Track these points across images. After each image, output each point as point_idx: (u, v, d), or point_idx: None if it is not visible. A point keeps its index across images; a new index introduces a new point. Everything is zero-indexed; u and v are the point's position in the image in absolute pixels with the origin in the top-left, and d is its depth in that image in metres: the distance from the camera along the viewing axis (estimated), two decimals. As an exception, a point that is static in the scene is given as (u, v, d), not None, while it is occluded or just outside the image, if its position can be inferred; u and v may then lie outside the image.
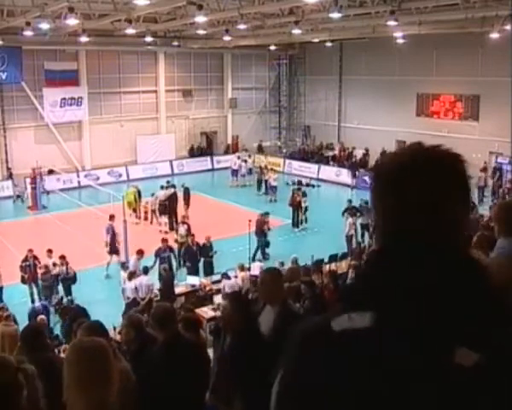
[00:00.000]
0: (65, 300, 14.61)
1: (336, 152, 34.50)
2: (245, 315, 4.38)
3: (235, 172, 30.80)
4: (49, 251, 16.21)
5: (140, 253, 15.88)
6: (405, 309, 1.01)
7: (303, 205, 22.51)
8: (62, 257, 15.56)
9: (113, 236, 18.51)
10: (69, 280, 15.40)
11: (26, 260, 15.83)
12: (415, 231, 1.08)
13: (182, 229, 18.74)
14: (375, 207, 1.17)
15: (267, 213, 19.87)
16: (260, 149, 35.71)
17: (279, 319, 4.42)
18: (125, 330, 5.56)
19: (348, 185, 29.80)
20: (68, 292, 15.28)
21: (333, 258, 16.58)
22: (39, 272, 15.58)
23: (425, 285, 1.02)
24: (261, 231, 19.05)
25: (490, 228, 5.96)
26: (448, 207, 1.09)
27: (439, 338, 0.98)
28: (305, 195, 23.12)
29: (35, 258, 15.92)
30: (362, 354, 0.99)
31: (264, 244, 19.28)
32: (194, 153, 35.80)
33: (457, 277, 1.04)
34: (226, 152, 36.03)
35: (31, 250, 16.03)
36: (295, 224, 22.58)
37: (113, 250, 18.36)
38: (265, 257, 18.95)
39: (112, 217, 19.16)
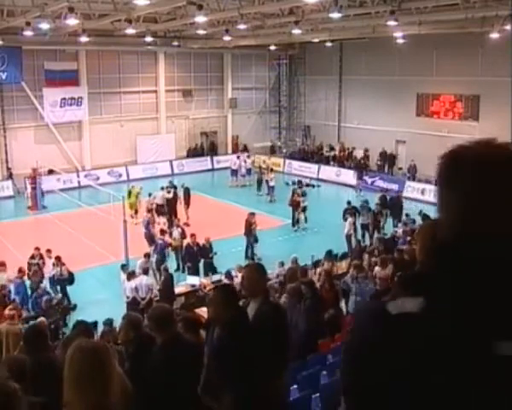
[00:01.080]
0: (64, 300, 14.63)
1: (336, 152, 34.52)
2: (234, 307, 4.39)
3: (234, 173, 30.81)
4: (49, 251, 16.24)
5: (147, 256, 15.94)
6: (452, 299, 1.08)
7: (301, 205, 22.51)
8: (57, 258, 15.57)
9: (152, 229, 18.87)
10: (65, 281, 15.39)
11: (33, 257, 16.03)
12: (481, 226, 1.09)
13: (176, 232, 18.70)
14: (445, 199, 1.16)
15: (253, 213, 19.86)
16: (273, 151, 35.65)
17: (260, 311, 4.47)
18: (123, 330, 5.55)
19: (348, 185, 29.73)
20: (64, 293, 15.27)
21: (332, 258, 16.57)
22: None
23: (477, 279, 1.08)
24: (249, 231, 19.15)
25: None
26: None
27: (480, 329, 1.05)
28: (304, 194, 23.10)
29: (41, 257, 16.08)
30: (412, 335, 1.09)
31: (252, 243, 19.33)
32: (197, 152, 35.75)
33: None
34: (234, 151, 35.69)
35: (37, 248, 16.23)
36: (295, 224, 22.58)
37: (152, 242, 18.35)
38: (254, 256, 18.97)
39: (150, 211, 19.42)
